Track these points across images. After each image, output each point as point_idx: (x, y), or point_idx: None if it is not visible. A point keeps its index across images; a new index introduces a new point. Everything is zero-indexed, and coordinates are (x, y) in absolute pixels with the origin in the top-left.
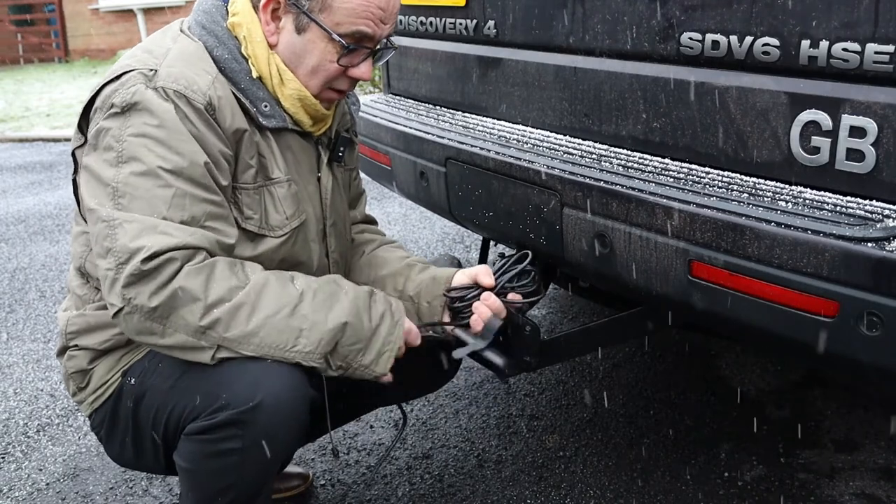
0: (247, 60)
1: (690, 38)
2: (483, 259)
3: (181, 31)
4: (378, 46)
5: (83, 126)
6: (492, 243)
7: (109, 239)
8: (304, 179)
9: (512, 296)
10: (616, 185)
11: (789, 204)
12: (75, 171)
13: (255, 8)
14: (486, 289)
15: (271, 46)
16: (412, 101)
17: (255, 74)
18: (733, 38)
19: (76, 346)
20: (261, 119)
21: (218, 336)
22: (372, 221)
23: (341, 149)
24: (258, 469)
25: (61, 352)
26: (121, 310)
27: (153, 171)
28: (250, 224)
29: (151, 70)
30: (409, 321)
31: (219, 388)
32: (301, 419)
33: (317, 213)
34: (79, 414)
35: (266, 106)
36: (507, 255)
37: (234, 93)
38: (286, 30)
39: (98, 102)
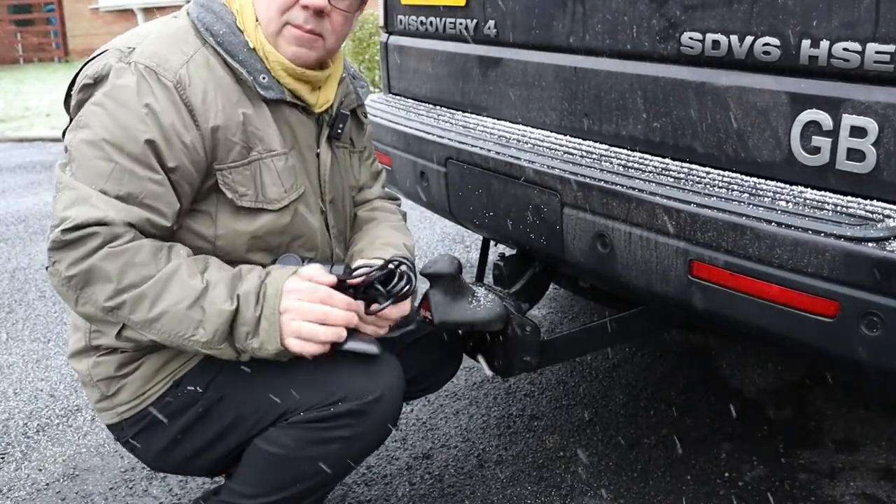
0: (243, 33)
1: (691, 38)
2: (483, 259)
3: (175, 15)
4: None
5: (67, 106)
6: (492, 243)
7: (54, 200)
8: (301, 155)
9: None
10: (616, 184)
11: (790, 204)
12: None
13: None
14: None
15: None
16: (412, 101)
17: (251, 45)
18: (734, 38)
19: (100, 346)
20: (259, 90)
21: (124, 317)
22: (392, 199)
23: (340, 125)
24: (354, 457)
25: (81, 353)
26: (48, 267)
27: (97, 143)
28: (245, 201)
29: (129, 48)
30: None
31: (334, 383)
32: (399, 414)
33: (314, 189)
34: (79, 414)
35: (264, 77)
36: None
37: (231, 65)
38: None
39: (78, 79)
